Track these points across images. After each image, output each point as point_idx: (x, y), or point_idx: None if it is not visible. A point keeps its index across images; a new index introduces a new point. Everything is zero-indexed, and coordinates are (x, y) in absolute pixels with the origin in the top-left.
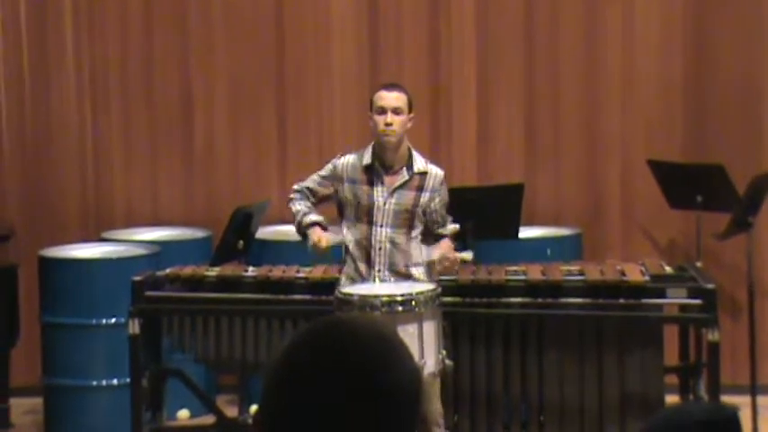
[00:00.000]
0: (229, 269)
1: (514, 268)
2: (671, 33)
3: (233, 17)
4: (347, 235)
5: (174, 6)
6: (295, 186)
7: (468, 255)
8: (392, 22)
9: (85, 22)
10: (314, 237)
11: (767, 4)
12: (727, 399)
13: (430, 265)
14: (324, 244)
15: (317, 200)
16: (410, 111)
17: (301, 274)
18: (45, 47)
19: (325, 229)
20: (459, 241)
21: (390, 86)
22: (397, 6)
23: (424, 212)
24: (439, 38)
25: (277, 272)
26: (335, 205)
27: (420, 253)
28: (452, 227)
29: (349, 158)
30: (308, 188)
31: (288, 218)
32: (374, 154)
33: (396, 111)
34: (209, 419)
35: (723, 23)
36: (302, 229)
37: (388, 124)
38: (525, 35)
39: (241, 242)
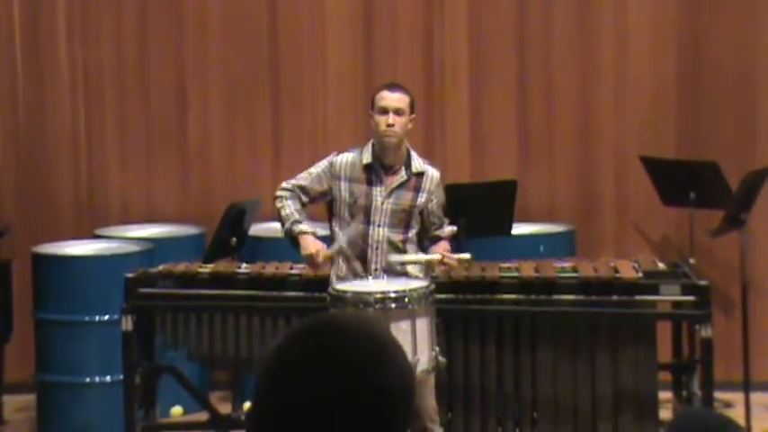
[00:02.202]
0: (222, 266)
1: (508, 265)
2: (664, 31)
3: (227, 14)
4: (339, 234)
5: (169, 4)
6: (284, 184)
7: (466, 255)
8: (387, 20)
9: (79, 20)
10: (309, 248)
11: (761, 2)
12: (720, 395)
13: (427, 265)
14: (320, 259)
15: (310, 199)
16: (412, 112)
17: (294, 271)
18: (38, 44)
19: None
20: (454, 240)
21: (393, 87)
22: (392, 4)
23: (421, 213)
24: (432, 36)
25: (270, 268)
26: (326, 203)
27: (416, 253)
28: (449, 229)
29: (347, 156)
30: (299, 186)
31: (275, 215)
32: (374, 153)
33: (397, 112)
34: (202, 416)
35: (716, 21)
36: (292, 235)
37: (389, 125)
38: (518, 33)
39: (234, 239)
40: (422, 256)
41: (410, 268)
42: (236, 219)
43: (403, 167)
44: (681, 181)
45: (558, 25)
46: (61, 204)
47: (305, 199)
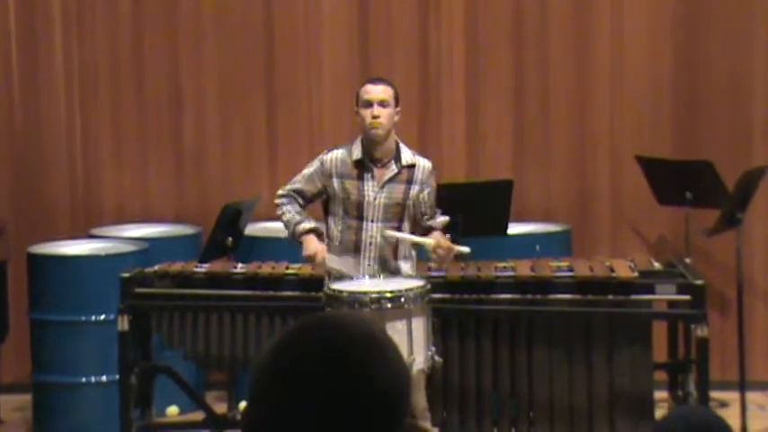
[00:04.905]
0: (218, 266)
1: (504, 264)
2: (660, 30)
3: (223, 13)
4: (334, 230)
5: (164, 4)
6: (280, 191)
7: (465, 248)
8: (382, 18)
9: (75, 20)
10: (309, 249)
11: (755, 3)
12: (715, 395)
13: (419, 247)
14: (318, 260)
15: (307, 200)
16: (397, 104)
17: (290, 271)
18: (34, 42)
19: (320, 235)
20: (449, 236)
21: (376, 80)
22: (387, 4)
23: (414, 205)
24: (428, 34)
25: (266, 268)
26: (322, 202)
27: (410, 248)
28: (442, 219)
29: (337, 153)
30: (294, 191)
31: (274, 217)
32: (363, 148)
33: (382, 103)
34: (198, 416)
35: (712, 20)
36: (297, 238)
37: (375, 117)
38: (514, 31)
39: (230, 239)
40: (417, 238)
41: (402, 265)
42: (231, 218)
43: (393, 161)
44: (677, 180)
45: (555, 25)
46: (57, 204)
47: (301, 202)
